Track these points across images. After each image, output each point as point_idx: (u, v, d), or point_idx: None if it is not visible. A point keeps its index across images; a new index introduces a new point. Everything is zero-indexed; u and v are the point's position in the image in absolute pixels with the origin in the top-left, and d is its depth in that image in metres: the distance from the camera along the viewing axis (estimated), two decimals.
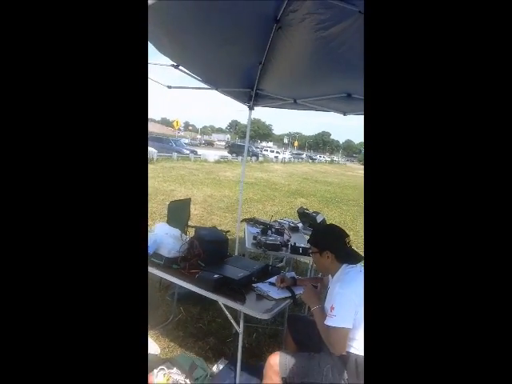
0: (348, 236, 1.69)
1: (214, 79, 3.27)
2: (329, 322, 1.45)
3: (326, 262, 1.64)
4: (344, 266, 1.61)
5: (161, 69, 2.77)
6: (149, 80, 2.94)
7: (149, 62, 2.71)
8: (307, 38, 2.46)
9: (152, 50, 2.48)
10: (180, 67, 2.88)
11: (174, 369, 1.90)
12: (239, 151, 26.86)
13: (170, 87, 3.13)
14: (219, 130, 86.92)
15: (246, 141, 4.18)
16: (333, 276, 1.66)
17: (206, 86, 3.28)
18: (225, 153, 28.73)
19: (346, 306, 1.44)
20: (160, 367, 1.89)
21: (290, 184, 14.34)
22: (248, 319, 2.72)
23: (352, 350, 1.49)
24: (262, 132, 61.86)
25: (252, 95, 3.61)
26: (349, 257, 1.63)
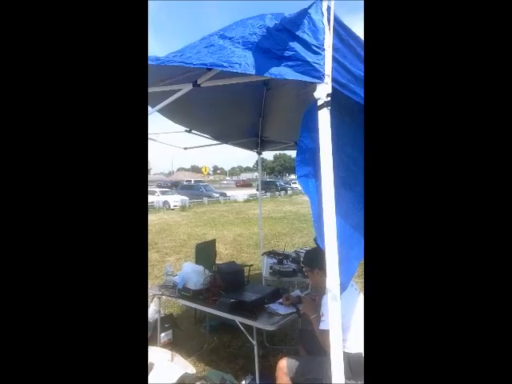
0: None
1: (224, 136, 3.85)
2: (321, 326, 1.78)
3: (317, 278, 2.00)
4: None
5: (176, 135, 3.37)
6: (168, 145, 3.56)
7: (165, 131, 3.34)
8: (291, 94, 3.00)
9: (167, 121, 3.10)
10: (193, 131, 3.49)
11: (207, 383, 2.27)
12: (268, 187, 27.57)
13: (185, 149, 3.74)
14: (247, 169, 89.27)
15: (258, 181, 4.67)
16: (324, 289, 2.01)
17: (216, 142, 3.86)
18: (254, 191, 29.51)
19: None
20: (196, 383, 2.26)
21: None
22: (275, 343, 3.05)
23: (345, 350, 1.80)
24: (288, 165, 62.79)
25: (258, 142, 4.15)
26: None
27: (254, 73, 1.12)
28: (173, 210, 16.78)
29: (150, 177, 57.18)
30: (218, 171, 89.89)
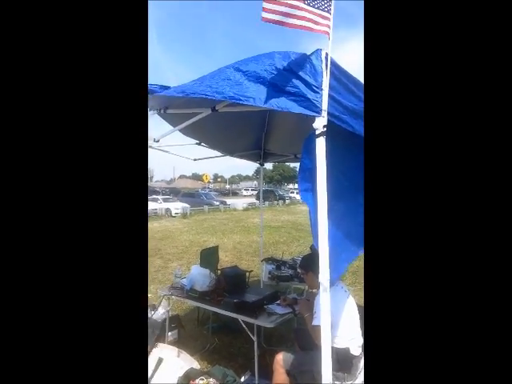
0: None
1: (229, 149, 4.11)
2: (313, 322, 2.00)
3: (311, 280, 2.23)
4: None
5: (186, 147, 3.62)
6: (178, 156, 3.81)
7: (177, 143, 3.59)
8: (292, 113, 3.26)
9: (178, 133, 3.35)
10: (202, 144, 3.75)
11: (211, 378, 2.46)
12: (267, 196, 27.78)
13: (195, 160, 4.01)
14: (247, 178, 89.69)
15: (260, 192, 4.91)
16: (318, 290, 2.23)
17: (222, 154, 4.12)
18: (253, 199, 29.69)
19: None
20: (200, 377, 2.46)
21: None
22: (272, 344, 3.25)
23: (334, 345, 2.02)
24: (287, 174, 63.01)
25: (261, 155, 4.40)
26: None
27: (264, 106, 1.37)
28: (174, 217, 16.99)
29: (152, 184, 57.53)
30: (219, 179, 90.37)
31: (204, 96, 1.50)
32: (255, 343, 2.30)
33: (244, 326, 2.32)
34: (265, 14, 1.24)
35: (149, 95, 1.76)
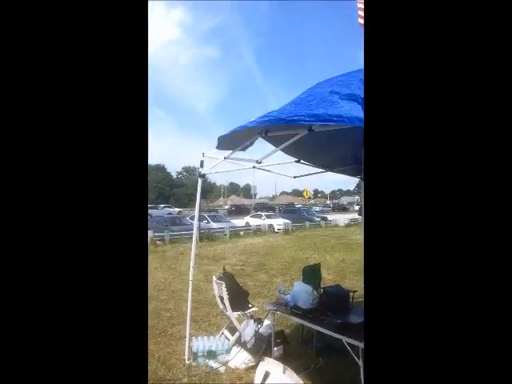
0: None
1: (328, 164, 4.09)
2: None
3: None
4: None
5: (286, 165, 3.77)
6: (279, 174, 3.97)
7: (275, 162, 3.75)
8: None
9: (279, 153, 3.51)
10: (301, 161, 3.83)
11: None
12: None
13: (295, 177, 4.12)
14: (347, 193, 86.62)
15: (362, 207, 4.70)
16: None
17: (322, 171, 4.12)
18: (355, 215, 28.38)
19: None
20: None
21: None
22: None
23: None
24: None
25: (361, 169, 4.24)
26: None
27: (357, 124, 1.37)
28: (277, 233, 17.47)
29: (256, 200, 60.60)
30: (319, 195, 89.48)
31: (301, 123, 1.59)
32: (361, 368, 2.18)
33: (349, 348, 2.23)
34: (361, 21, 1.26)
35: (255, 125, 1.93)
